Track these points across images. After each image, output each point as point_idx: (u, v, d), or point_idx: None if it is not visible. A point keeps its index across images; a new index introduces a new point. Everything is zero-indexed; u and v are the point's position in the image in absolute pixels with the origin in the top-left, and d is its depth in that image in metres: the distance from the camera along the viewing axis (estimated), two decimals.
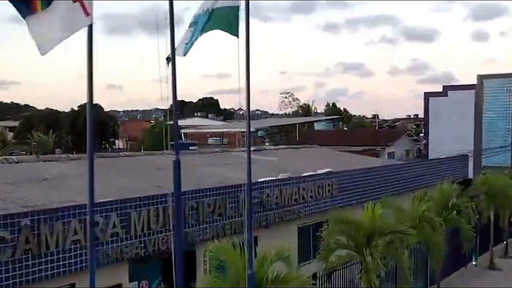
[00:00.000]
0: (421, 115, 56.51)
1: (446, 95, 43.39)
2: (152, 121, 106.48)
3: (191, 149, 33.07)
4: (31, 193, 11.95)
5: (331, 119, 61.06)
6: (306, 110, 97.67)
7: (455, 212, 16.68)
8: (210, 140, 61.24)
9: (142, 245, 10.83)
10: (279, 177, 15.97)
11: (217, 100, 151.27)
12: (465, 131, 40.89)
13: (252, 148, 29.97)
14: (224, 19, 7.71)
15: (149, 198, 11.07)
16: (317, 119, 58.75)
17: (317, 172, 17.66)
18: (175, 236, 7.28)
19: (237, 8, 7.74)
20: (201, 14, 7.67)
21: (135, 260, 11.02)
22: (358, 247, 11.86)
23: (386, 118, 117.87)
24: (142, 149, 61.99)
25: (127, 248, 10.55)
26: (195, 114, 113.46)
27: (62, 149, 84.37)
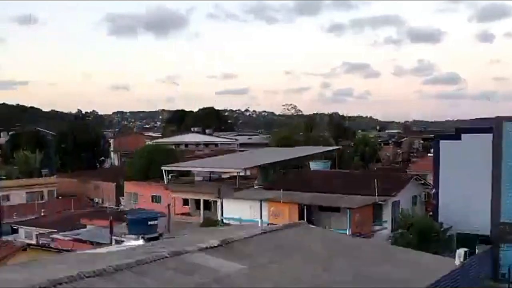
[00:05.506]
0: (427, 119, 51.19)
1: (460, 139, 37.61)
2: (148, 139, 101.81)
3: (150, 224, 27.46)
4: None
5: (330, 151, 55.48)
6: (309, 125, 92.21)
7: None
8: (197, 178, 55.10)
9: None
10: None
11: (217, 110, 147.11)
12: (481, 179, 35.10)
13: (216, 243, 23.00)
14: None
15: None
16: (313, 152, 53.13)
17: None
18: None
19: None
20: None
21: None
22: None
23: (392, 120, 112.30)
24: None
25: None
26: (192, 129, 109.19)
27: (49, 169, 79.20)
